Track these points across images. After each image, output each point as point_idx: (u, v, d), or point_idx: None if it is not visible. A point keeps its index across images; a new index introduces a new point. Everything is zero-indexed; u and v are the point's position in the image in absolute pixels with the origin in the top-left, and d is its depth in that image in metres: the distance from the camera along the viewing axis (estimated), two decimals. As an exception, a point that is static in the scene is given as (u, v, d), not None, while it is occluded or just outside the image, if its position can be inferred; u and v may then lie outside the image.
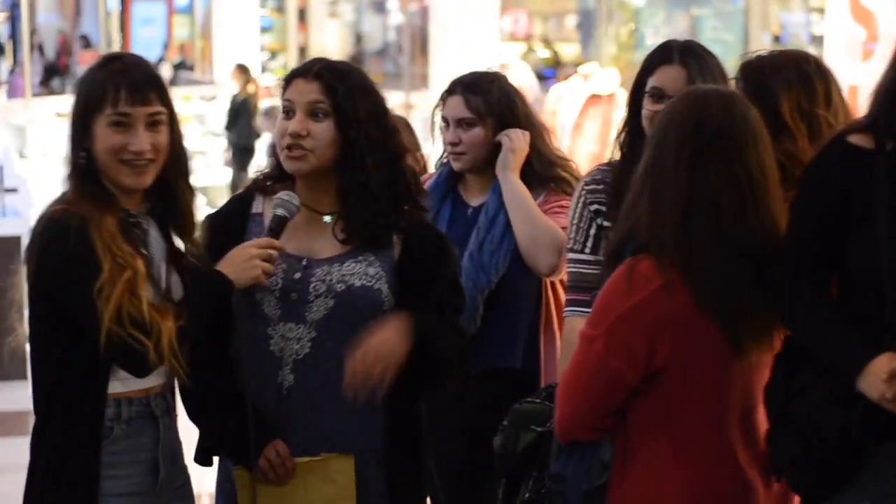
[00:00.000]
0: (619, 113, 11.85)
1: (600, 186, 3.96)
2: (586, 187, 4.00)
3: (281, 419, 3.45)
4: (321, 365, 3.41)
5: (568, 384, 3.14)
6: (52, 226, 3.22)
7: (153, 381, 3.32)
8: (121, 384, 3.27)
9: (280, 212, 3.41)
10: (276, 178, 3.54)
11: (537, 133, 4.41)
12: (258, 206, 3.55)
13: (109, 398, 3.26)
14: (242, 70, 16.29)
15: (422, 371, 3.43)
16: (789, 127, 3.41)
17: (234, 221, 3.54)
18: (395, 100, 15.72)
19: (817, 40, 19.26)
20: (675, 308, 3.09)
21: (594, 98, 10.85)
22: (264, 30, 21.61)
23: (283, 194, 3.44)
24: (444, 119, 4.39)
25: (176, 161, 3.33)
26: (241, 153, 15.78)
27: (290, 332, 3.43)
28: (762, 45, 18.49)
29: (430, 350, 3.39)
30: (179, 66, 22.26)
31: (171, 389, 3.41)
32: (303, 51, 21.68)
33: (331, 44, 20.80)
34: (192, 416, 3.53)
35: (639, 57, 16.04)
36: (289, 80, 3.50)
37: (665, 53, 3.89)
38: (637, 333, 3.08)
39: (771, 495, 3.22)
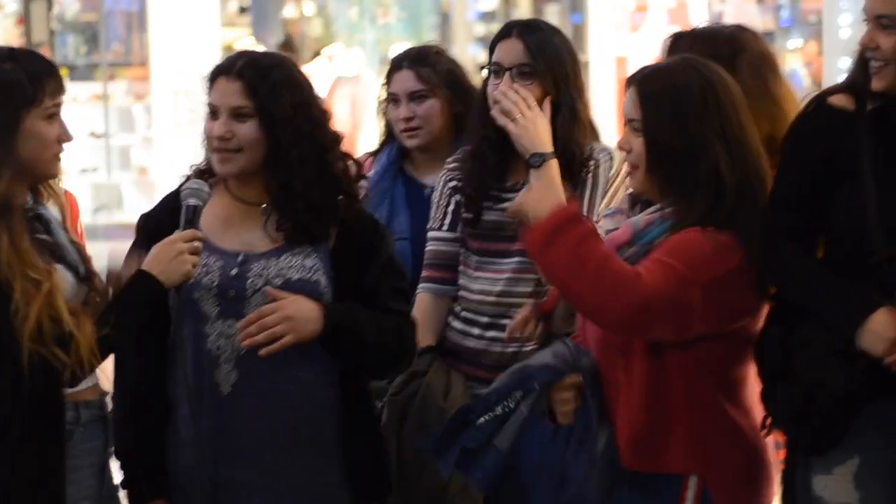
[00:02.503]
0: (367, 93, 11.96)
1: (459, 164, 4.04)
2: (448, 166, 4.08)
3: (220, 415, 3.37)
4: (265, 360, 3.32)
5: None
6: None
7: (94, 378, 3.36)
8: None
9: (192, 201, 3.33)
10: (212, 173, 3.45)
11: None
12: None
13: (68, 401, 3.23)
14: None
15: (350, 361, 3.41)
16: None
17: (167, 218, 3.41)
18: (89, 90, 15.27)
19: (489, 16, 19.79)
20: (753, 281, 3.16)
21: (339, 81, 10.81)
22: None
23: (191, 183, 3.38)
24: (394, 95, 4.29)
25: None
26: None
27: (229, 330, 3.35)
28: (432, 23, 18.83)
29: (351, 340, 3.36)
30: None
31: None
32: (-44, 44, 20.75)
33: (-7, 36, 19.95)
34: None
35: (369, 39, 16.15)
36: (213, 78, 3.40)
37: (502, 31, 3.96)
38: (730, 296, 3.15)
39: None
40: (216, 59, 3.56)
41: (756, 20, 13.39)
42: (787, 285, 3.19)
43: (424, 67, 4.27)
